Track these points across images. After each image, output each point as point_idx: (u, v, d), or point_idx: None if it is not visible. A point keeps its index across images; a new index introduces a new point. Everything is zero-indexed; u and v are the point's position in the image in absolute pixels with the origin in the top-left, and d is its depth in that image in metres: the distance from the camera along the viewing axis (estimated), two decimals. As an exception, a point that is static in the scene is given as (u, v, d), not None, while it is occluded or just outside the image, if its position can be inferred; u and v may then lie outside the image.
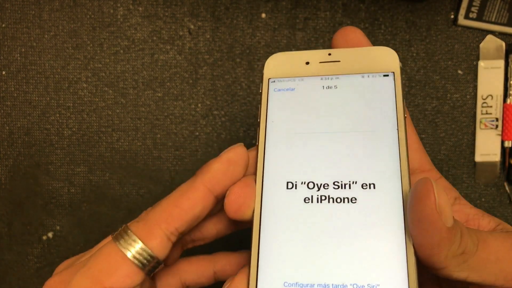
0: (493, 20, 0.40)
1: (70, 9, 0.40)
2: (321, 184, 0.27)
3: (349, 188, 0.27)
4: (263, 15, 0.40)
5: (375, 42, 0.40)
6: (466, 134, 0.41)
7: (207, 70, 0.40)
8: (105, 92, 0.41)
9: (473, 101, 0.41)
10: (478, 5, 0.40)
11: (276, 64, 0.30)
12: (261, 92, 0.29)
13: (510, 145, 0.40)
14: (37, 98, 0.41)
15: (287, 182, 0.27)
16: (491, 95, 0.40)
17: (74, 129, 0.41)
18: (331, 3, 0.40)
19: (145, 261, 0.25)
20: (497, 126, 0.41)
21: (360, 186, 0.27)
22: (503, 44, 0.40)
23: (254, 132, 0.41)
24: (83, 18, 0.40)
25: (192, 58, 0.40)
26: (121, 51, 0.40)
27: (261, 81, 0.30)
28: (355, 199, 0.26)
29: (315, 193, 0.27)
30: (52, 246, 0.42)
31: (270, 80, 0.30)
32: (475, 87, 0.41)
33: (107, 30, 0.40)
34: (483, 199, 0.41)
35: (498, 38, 0.40)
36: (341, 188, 0.27)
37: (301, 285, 0.25)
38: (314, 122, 0.28)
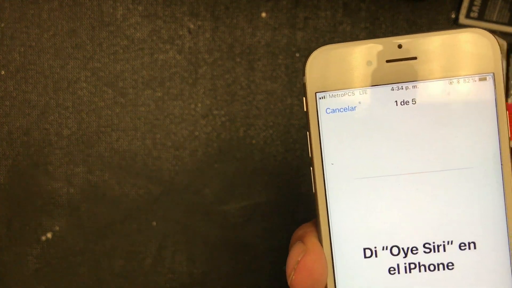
0: (494, 19, 0.40)
1: (70, 9, 0.40)
2: (408, 248, 0.21)
3: (444, 250, 0.21)
4: (263, 15, 0.40)
5: (375, 42, 0.40)
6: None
7: (207, 69, 0.40)
8: (104, 92, 0.40)
9: (474, 101, 0.41)
10: (479, 4, 0.39)
11: (325, 68, 0.21)
12: (307, 113, 0.22)
13: (510, 145, 0.40)
14: (36, 98, 0.41)
15: (364, 249, 0.21)
16: (492, 95, 0.40)
17: (73, 129, 0.41)
18: (332, 3, 0.40)
19: None
20: (498, 126, 0.40)
21: (458, 246, 0.21)
22: (505, 43, 0.40)
23: (254, 131, 0.41)
24: (82, 18, 0.40)
25: (191, 58, 0.40)
26: (121, 51, 0.40)
27: (304, 95, 0.22)
28: (452, 264, 0.21)
29: (401, 260, 0.21)
30: (51, 247, 0.42)
31: (318, 95, 0.21)
32: (476, 87, 0.41)
33: (107, 29, 0.40)
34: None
35: (499, 37, 0.40)
36: (434, 251, 0.21)
37: None
38: (390, 160, 0.21)
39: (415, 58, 0.21)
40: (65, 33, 0.40)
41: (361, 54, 0.21)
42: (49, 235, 0.41)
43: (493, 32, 0.40)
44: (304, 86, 0.22)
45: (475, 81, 0.21)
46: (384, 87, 0.21)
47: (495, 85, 0.21)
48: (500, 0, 0.40)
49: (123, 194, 0.41)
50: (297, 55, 0.40)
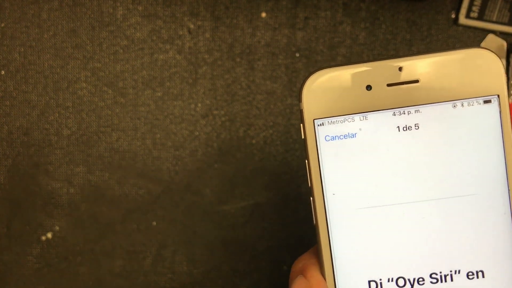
0: (494, 19, 0.40)
1: (70, 9, 0.40)
2: (414, 279, 0.21)
3: (451, 280, 0.21)
4: (263, 15, 0.40)
5: (375, 42, 0.40)
6: (467, 134, 0.41)
7: (207, 69, 0.40)
8: (104, 92, 0.40)
9: (474, 101, 0.41)
10: (479, 4, 0.39)
11: (322, 94, 0.20)
12: (305, 140, 0.21)
13: None
14: (36, 98, 0.41)
15: (369, 282, 0.21)
16: (492, 95, 0.40)
17: (74, 129, 0.41)
18: (332, 3, 0.40)
19: None
20: (498, 126, 0.40)
21: (466, 276, 0.21)
22: (504, 43, 0.40)
23: (254, 131, 0.41)
24: (82, 18, 0.40)
25: (191, 58, 0.40)
26: (121, 51, 0.40)
27: (302, 122, 0.21)
28: None
29: None
30: (51, 247, 0.42)
31: (317, 122, 0.20)
32: (476, 87, 0.41)
33: (107, 29, 0.40)
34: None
35: (499, 37, 0.40)
36: (441, 281, 0.21)
37: None
38: (393, 188, 0.20)
39: (417, 81, 0.20)
40: (65, 33, 0.40)
41: (361, 78, 0.20)
42: (49, 235, 0.41)
43: (492, 32, 0.40)
44: (301, 112, 0.20)
45: (480, 103, 0.20)
46: (386, 112, 0.20)
47: (500, 107, 0.20)
48: (500, 0, 0.40)
49: (123, 194, 0.41)
50: (297, 55, 0.40)
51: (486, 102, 0.20)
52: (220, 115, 0.41)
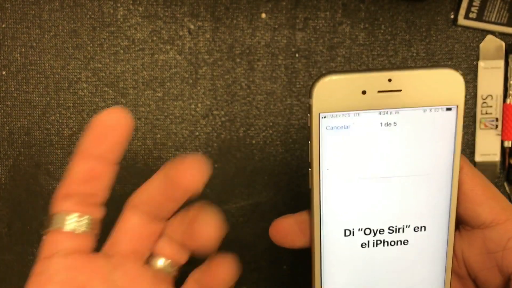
0: (493, 20, 0.40)
1: (70, 9, 0.40)
2: (377, 230, 0.28)
3: (403, 232, 0.28)
4: (263, 15, 0.40)
5: (375, 42, 0.41)
6: (466, 134, 0.41)
7: (207, 70, 0.40)
8: (105, 92, 0.41)
9: (473, 101, 0.41)
10: (478, 5, 0.40)
11: (328, 94, 0.26)
12: (310, 128, 0.26)
13: (510, 145, 0.40)
14: (37, 98, 0.41)
15: (345, 230, 0.28)
16: (491, 95, 0.41)
17: (74, 129, 0.41)
18: (331, 3, 0.40)
19: (81, 225, 0.27)
20: (497, 126, 0.41)
21: (413, 229, 0.28)
22: (503, 44, 0.40)
23: (254, 132, 0.41)
24: (83, 18, 0.40)
25: (192, 58, 0.40)
26: (121, 51, 0.40)
27: (309, 113, 0.26)
28: (407, 241, 0.28)
29: (371, 238, 0.28)
30: (52, 246, 0.42)
31: (321, 115, 0.26)
32: (475, 87, 0.41)
33: (107, 30, 0.40)
34: (483, 199, 0.41)
35: (498, 38, 0.40)
36: (396, 232, 0.28)
37: None
38: (371, 167, 0.27)
39: (400, 90, 0.26)
40: (66, 33, 0.40)
41: (359, 84, 0.26)
42: (50, 234, 0.42)
43: (491, 33, 0.40)
44: (309, 106, 0.26)
45: (443, 110, 0.26)
46: (374, 112, 0.26)
47: (457, 114, 0.26)
48: (499, 1, 0.40)
49: (124, 194, 0.41)
50: (297, 55, 0.41)
51: (448, 109, 0.26)
52: (220, 115, 0.41)
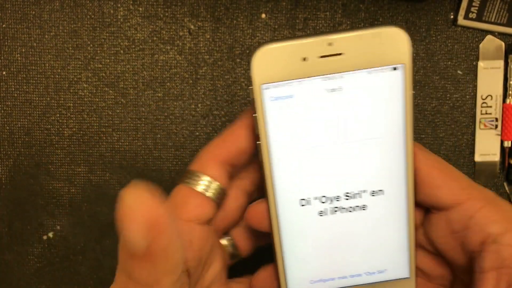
0: (492, 20, 0.40)
1: (71, 9, 0.40)
2: (333, 197, 0.28)
3: (360, 197, 0.28)
4: (263, 16, 0.40)
5: (375, 42, 0.41)
6: (466, 134, 0.41)
7: (207, 70, 0.41)
8: (105, 92, 0.41)
9: (472, 101, 0.41)
10: (477, 5, 0.40)
11: (267, 64, 0.25)
12: (253, 101, 0.26)
13: (509, 145, 0.41)
14: (37, 98, 0.41)
15: (301, 200, 0.28)
16: (490, 95, 0.41)
17: (75, 129, 0.41)
18: (331, 3, 0.40)
19: (211, 189, 0.27)
20: (496, 126, 0.41)
21: (370, 194, 0.28)
22: (503, 44, 0.40)
23: (254, 132, 0.41)
24: (83, 19, 0.40)
25: (192, 58, 0.40)
26: (121, 51, 0.40)
27: (251, 85, 0.26)
28: (366, 206, 0.28)
29: (328, 206, 0.28)
30: (53, 246, 0.42)
31: (263, 87, 0.26)
32: (474, 87, 0.41)
33: (107, 30, 0.40)
34: (482, 199, 0.41)
35: (498, 38, 0.40)
36: (352, 198, 0.28)
37: (324, 280, 0.29)
38: (320, 134, 0.26)
39: (341, 54, 0.25)
40: (66, 34, 0.40)
41: (299, 52, 0.25)
42: (50, 234, 0.42)
43: (491, 33, 0.40)
44: (251, 78, 0.25)
45: (389, 70, 0.25)
46: (317, 78, 0.25)
47: (405, 73, 0.25)
48: (498, 1, 0.40)
49: (124, 194, 0.41)
50: (297, 55, 0.41)
51: (394, 69, 0.25)
52: (220, 116, 0.41)
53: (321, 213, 0.28)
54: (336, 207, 0.28)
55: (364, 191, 0.28)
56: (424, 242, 0.30)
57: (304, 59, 0.25)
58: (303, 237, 0.28)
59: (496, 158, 0.41)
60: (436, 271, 0.30)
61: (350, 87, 0.26)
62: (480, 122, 0.41)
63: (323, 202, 0.28)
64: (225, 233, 0.31)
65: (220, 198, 0.28)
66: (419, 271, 0.30)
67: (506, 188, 0.41)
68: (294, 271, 0.29)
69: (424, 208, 0.29)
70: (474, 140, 0.41)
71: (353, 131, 0.27)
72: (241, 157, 0.28)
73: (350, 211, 0.28)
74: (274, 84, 0.25)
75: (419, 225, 0.30)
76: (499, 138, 0.41)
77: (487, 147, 0.41)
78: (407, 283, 0.29)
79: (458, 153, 0.41)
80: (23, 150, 0.41)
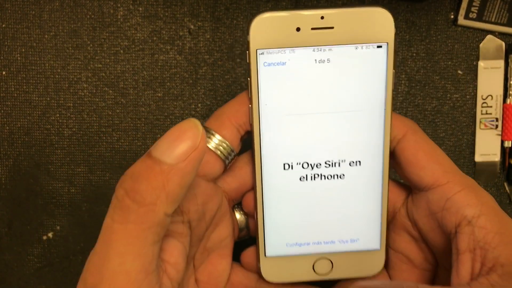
0: (493, 20, 0.40)
1: (70, 9, 0.40)
2: (314, 164, 0.29)
3: (339, 166, 0.29)
4: (263, 15, 0.40)
5: (375, 42, 0.41)
6: (466, 134, 0.41)
7: (207, 70, 0.41)
8: (105, 92, 0.41)
9: (473, 101, 0.41)
10: (478, 5, 0.40)
11: (264, 30, 0.27)
12: (249, 64, 0.28)
13: (510, 145, 0.41)
14: (37, 98, 0.41)
15: (284, 164, 0.29)
16: (491, 95, 0.41)
17: (74, 129, 0.41)
18: (331, 3, 0.40)
19: (221, 148, 0.28)
20: (497, 126, 0.41)
21: (348, 164, 0.29)
22: (503, 44, 0.40)
23: (254, 132, 0.41)
24: (83, 18, 0.40)
25: (192, 58, 0.40)
26: (121, 51, 0.40)
27: (247, 50, 0.27)
28: (344, 175, 0.30)
29: (309, 172, 0.29)
30: (52, 246, 0.42)
31: (259, 52, 0.27)
32: (475, 87, 0.41)
33: (107, 30, 0.40)
34: (483, 199, 0.41)
35: (498, 38, 0.40)
36: (332, 166, 0.29)
37: (300, 244, 0.30)
38: (307, 103, 0.28)
39: (332, 27, 0.27)
40: (66, 33, 0.40)
41: (293, 22, 0.27)
42: (50, 234, 0.42)
43: (491, 33, 0.40)
44: (248, 43, 0.27)
45: (374, 48, 0.27)
46: (308, 48, 0.27)
47: (387, 51, 0.27)
48: (498, 1, 0.40)
49: (124, 194, 0.41)
50: (297, 55, 0.40)
51: (378, 47, 0.27)
52: (220, 116, 0.41)
53: (302, 178, 0.29)
54: (316, 174, 0.29)
55: (343, 161, 0.29)
56: (408, 226, 0.31)
57: (298, 29, 0.27)
58: (283, 201, 0.30)
59: (497, 158, 0.41)
60: (420, 256, 0.31)
61: (338, 60, 0.27)
62: (480, 122, 0.41)
63: (304, 168, 0.29)
64: (239, 204, 0.32)
65: (229, 159, 0.29)
66: (404, 258, 0.31)
67: (506, 188, 0.41)
68: (272, 234, 0.30)
69: (409, 189, 0.31)
70: (474, 140, 0.41)
71: (336, 103, 0.28)
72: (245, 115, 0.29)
73: (328, 179, 0.29)
74: (268, 50, 0.27)
75: (402, 206, 0.31)
76: (499, 138, 0.41)
77: (487, 147, 0.41)
78: (377, 254, 0.31)
79: (459, 153, 0.41)
80: (22, 150, 0.41)
